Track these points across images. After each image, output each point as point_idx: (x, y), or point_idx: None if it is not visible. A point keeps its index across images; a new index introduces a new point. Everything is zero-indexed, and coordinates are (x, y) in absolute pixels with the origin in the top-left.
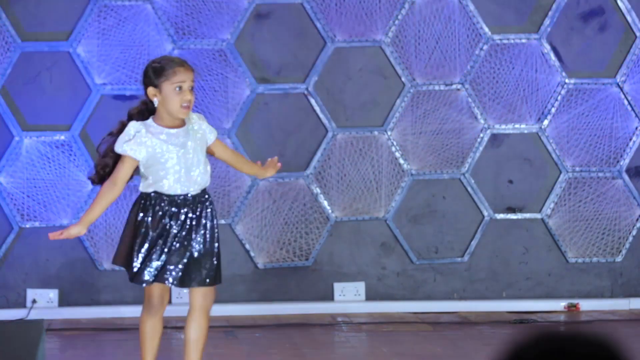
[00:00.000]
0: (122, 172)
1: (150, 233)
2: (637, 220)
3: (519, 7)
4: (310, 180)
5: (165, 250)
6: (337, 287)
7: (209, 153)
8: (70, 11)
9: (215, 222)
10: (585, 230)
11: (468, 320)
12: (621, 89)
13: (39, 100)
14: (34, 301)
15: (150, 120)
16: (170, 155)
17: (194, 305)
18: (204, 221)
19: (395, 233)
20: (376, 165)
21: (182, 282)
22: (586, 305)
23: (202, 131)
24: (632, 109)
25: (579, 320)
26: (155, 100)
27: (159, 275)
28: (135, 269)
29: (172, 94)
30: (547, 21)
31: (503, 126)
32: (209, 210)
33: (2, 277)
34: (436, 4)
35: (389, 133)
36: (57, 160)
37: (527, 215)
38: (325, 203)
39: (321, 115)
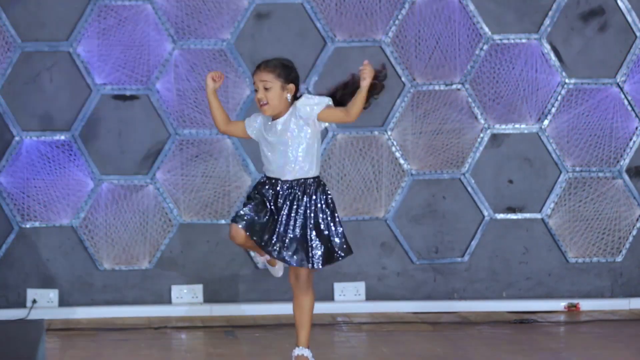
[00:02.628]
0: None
1: None
2: (637, 220)
3: (519, 7)
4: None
5: None
6: (337, 287)
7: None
8: (70, 11)
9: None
10: (585, 230)
11: (468, 320)
12: (621, 89)
13: (39, 100)
14: (34, 301)
15: None
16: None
17: None
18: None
19: (396, 233)
20: (376, 165)
21: None
22: (586, 305)
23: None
24: (632, 109)
25: (579, 320)
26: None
27: None
28: None
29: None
30: (547, 21)
31: (503, 126)
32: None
33: (2, 277)
34: (436, 4)
35: (389, 133)
36: (57, 160)
37: (527, 215)
38: None
39: None
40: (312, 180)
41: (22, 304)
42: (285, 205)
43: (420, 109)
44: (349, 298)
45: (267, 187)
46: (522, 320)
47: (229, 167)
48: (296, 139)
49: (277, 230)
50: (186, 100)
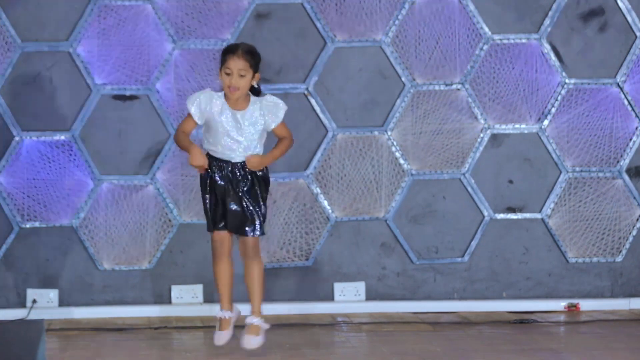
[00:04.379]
0: None
1: None
2: (637, 220)
3: (519, 7)
4: (310, 180)
5: None
6: (337, 287)
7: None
8: (70, 11)
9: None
10: (585, 230)
11: (468, 320)
12: (621, 89)
13: (39, 100)
14: (34, 301)
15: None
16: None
17: None
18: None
19: (395, 233)
20: (376, 165)
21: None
22: (586, 305)
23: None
24: (632, 109)
25: (579, 320)
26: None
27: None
28: None
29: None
30: (547, 21)
31: (503, 126)
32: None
33: (2, 277)
34: (436, 4)
35: (389, 133)
36: (57, 160)
37: (527, 215)
38: (325, 203)
39: (321, 115)
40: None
41: (22, 304)
42: (233, 185)
43: (420, 109)
44: (349, 298)
45: (216, 171)
46: (522, 320)
47: None
48: (254, 129)
49: (228, 209)
50: (186, 101)
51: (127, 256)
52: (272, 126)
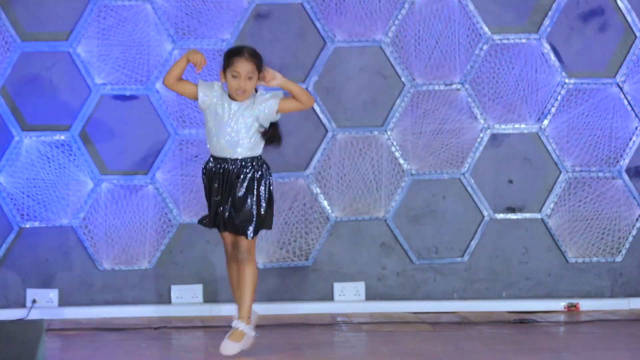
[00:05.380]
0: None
1: None
2: (637, 220)
3: (519, 7)
4: (310, 180)
5: None
6: (337, 287)
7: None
8: (70, 11)
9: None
10: (585, 230)
11: (468, 320)
12: (621, 89)
13: (39, 100)
14: (34, 301)
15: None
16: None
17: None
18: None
19: (395, 233)
20: (376, 165)
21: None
22: (586, 305)
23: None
24: (632, 109)
25: (579, 320)
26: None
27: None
28: None
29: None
30: (547, 21)
31: (503, 126)
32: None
33: (2, 277)
34: (436, 4)
35: (389, 133)
36: (57, 160)
37: (527, 215)
38: (325, 203)
39: (321, 115)
40: (256, 158)
41: (22, 304)
42: (230, 183)
43: (420, 109)
44: (349, 298)
45: (214, 171)
46: (522, 320)
47: None
48: (248, 124)
49: (225, 207)
50: (186, 100)
51: (127, 256)
52: (275, 107)
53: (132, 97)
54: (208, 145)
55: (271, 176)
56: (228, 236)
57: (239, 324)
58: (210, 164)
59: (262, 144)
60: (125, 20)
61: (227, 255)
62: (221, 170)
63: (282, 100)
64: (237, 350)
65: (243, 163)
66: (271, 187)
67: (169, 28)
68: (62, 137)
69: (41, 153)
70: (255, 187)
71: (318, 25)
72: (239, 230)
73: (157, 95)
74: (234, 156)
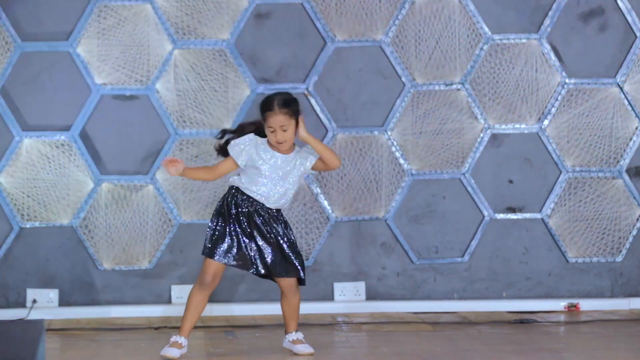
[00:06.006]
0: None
1: None
2: (637, 220)
3: (519, 7)
4: (310, 180)
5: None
6: (337, 287)
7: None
8: (70, 11)
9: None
10: (585, 230)
11: (468, 320)
12: (621, 89)
13: (39, 100)
14: (34, 301)
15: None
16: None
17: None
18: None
19: (395, 233)
20: (376, 165)
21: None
22: (586, 305)
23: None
24: (632, 109)
25: (579, 320)
26: None
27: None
28: None
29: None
30: (547, 21)
31: (503, 126)
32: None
33: (2, 277)
34: (436, 4)
35: (389, 133)
36: (57, 160)
37: (527, 215)
38: (325, 203)
39: (321, 115)
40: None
41: (22, 304)
42: (263, 228)
43: (420, 109)
44: (349, 298)
45: (243, 207)
46: (522, 320)
47: None
48: (294, 177)
49: (258, 252)
50: (186, 100)
51: (127, 256)
52: (311, 164)
53: (132, 97)
54: (238, 184)
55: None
56: (219, 267)
57: (297, 335)
58: (241, 201)
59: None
60: (125, 20)
61: (203, 283)
62: (254, 209)
63: (318, 161)
64: (311, 349)
65: (274, 212)
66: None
67: (169, 28)
68: (62, 137)
69: (41, 153)
70: (288, 230)
71: (318, 25)
72: (290, 274)
73: (157, 95)
74: (272, 206)
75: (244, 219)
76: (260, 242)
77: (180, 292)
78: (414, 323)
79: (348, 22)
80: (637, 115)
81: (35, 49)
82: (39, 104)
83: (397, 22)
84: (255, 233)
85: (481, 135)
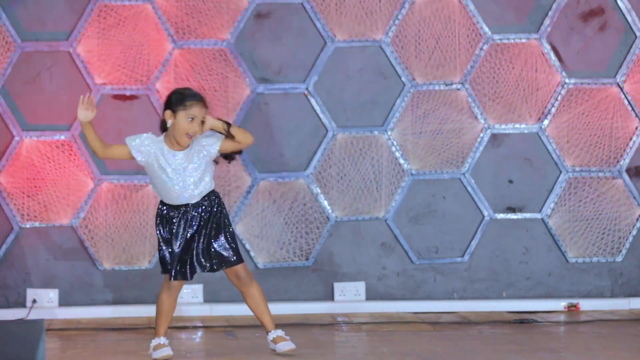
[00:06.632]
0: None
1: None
2: (637, 220)
3: (519, 7)
4: (310, 180)
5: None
6: (337, 287)
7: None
8: (70, 11)
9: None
10: (585, 230)
11: (468, 320)
12: (621, 89)
13: (39, 100)
14: (34, 301)
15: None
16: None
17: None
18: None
19: (395, 233)
20: (376, 165)
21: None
22: (586, 305)
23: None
24: (632, 109)
25: (579, 320)
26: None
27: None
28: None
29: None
30: (547, 21)
31: (503, 126)
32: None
33: (2, 277)
34: (436, 4)
35: (389, 133)
36: (57, 160)
37: (527, 215)
38: (325, 203)
39: (321, 115)
40: (210, 195)
41: (22, 304)
42: (194, 226)
43: (420, 109)
44: (349, 298)
45: (174, 219)
46: (522, 320)
47: (229, 167)
48: (197, 163)
49: (197, 252)
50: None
51: (127, 256)
52: (217, 148)
53: (132, 97)
54: (160, 196)
55: (222, 201)
56: (179, 283)
57: (276, 332)
58: (165, 211)
59: (212, 176)
60: (125, 20)
61: (168, 291)
62: (179, 215)
63: (223, 142)
64: (293, 346)
65: (201, 203)
66: (227, 213)
67: (169, 28)
68: (62, 137)
69: (41, 153)
70: (219, 215)
71: (318, 25)
72: (229, 263)
73: (157, 95)
74: (191, 201)
75: (180, 226)
76: (198, 243)
77: (180, 292)
78: (414, 323)
79: (348, 22)
80: (637, 115)
81: (35, 49)
82: (39, 104)
83: (397, 22)
84: (193, 235)
85: (481, 135)
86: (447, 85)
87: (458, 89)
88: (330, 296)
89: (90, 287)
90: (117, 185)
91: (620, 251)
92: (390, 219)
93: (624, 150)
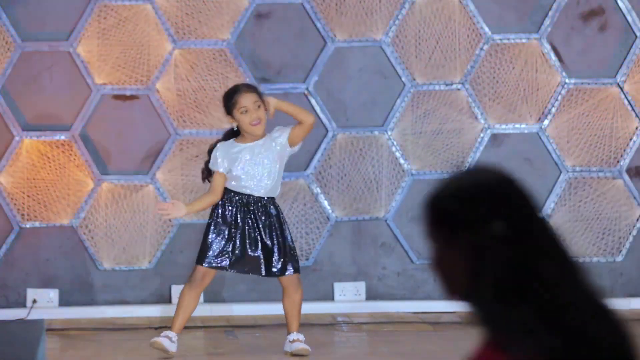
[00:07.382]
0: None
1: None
2: (637, 220)
3: (519, 7)
4: (310, 180)
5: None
6: (337, 287)
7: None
8: (70, 11)
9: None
10: (585, 230)
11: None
12: (621, 89)
13: (39, 100)
14: (34, 301)
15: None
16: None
17: None
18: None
19: (396, 233)
20: (376, 165)
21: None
22: None
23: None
24: (632, 109)
25: None
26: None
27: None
28: None
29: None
30: (547, 21)
31: (503, 126)
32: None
33: (2, 277)
34: (436, 4)
35: (389, 133)
36: (57, 160)
37: None
38: (325, 203)
39: (321, 115)
40: (274, 201)
41: (22, 304)
42: (256, 222)
43: (420, 109)
44: (349, 298)
45: (231, 207)
46: None
47: None
48: (270, 158)
49: (255, 250)
50: (186, 100)
51: (127, 256)
52: (286, 136)
53: (132, 97)
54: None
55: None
56: (210, 271)
57: (298, 335)
58: (229, 200)
59: (280, 177)
60: (125, 20)
61: (194, 284)
62: (244, 208)
63: (292, 129)
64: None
65: (266, 203)
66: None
67: (169, 28)
68: (62, 137)
69: (41, 153)
70: (279, 221)
71: (318, 25)
72: (283, 270)
73: (157, 95)
74: (263, 193)
75: (239, 220)
76: (258, 242)
77: (180, 292)
78: (414, 323)
79: (348, 22)
80: (637, 115)
81: (35, 49)
82: (39, 104)
83: (397, 22)
84: (252, 233)
85: (481, 135)
86: (447, 85)
87: (458, 89)
88: (330, 296)
89: (90, 287)
90: (117, 185)
91: (621, 251)
92: (391, 219)
93: (624, 151)
